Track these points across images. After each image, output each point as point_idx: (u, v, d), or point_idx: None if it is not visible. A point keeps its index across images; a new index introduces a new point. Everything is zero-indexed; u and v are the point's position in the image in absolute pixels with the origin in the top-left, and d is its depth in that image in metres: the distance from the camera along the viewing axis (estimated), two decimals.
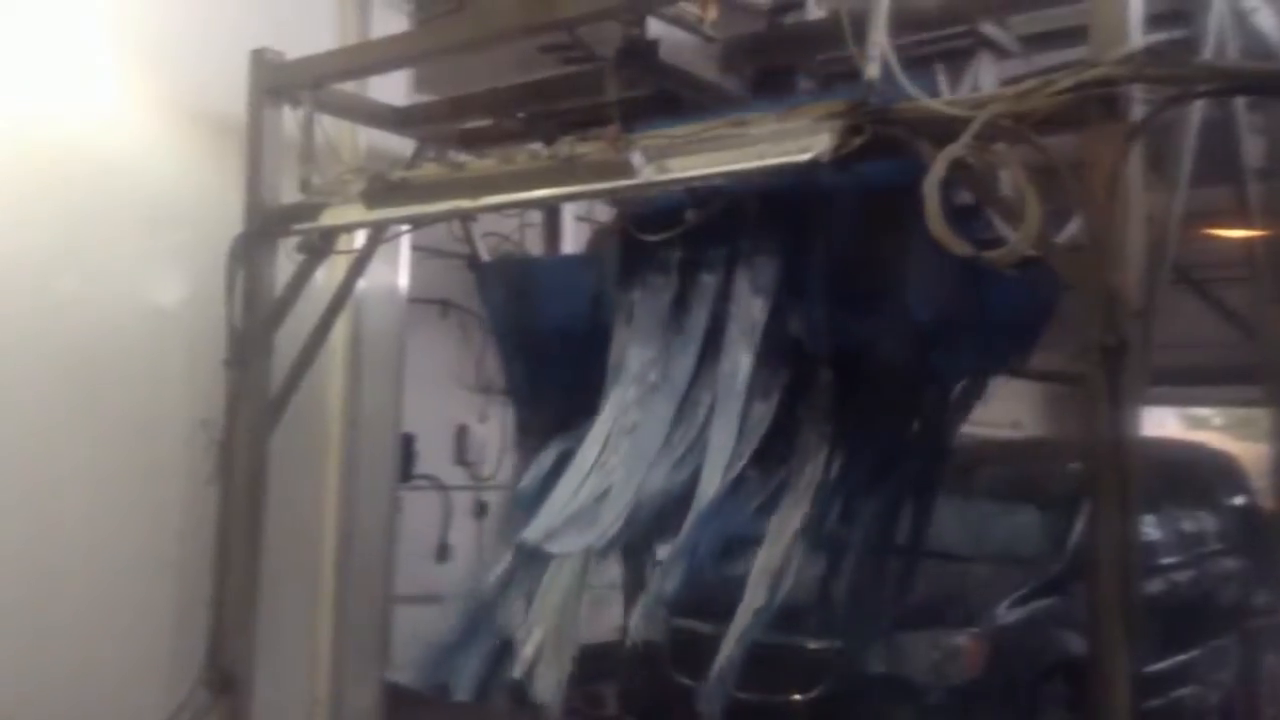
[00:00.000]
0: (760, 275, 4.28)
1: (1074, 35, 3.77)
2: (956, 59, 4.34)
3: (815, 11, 4.51)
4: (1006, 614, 5.09)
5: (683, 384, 4.38)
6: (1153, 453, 3.88)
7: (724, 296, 4.39)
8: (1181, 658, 5.76)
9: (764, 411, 4.22)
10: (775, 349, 4.27)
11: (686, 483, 4.18)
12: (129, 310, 5.06)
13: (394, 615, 6.17)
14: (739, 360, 4.26)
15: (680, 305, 4.51)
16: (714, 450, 4.18)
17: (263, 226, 5.02)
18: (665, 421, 4.32)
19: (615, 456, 4.33)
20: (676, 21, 4.39)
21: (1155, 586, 5.50)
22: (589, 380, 4.79)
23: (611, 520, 4.10)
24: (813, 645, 4.96)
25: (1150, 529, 5.66)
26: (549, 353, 5.23)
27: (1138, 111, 3.12)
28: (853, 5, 3.54)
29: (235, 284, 4.98)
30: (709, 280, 4.42)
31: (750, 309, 4.29)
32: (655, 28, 4.39)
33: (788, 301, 4.29)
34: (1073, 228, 3.43)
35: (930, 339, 4.13)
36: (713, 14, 4.41)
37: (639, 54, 4.37)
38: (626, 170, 3.83)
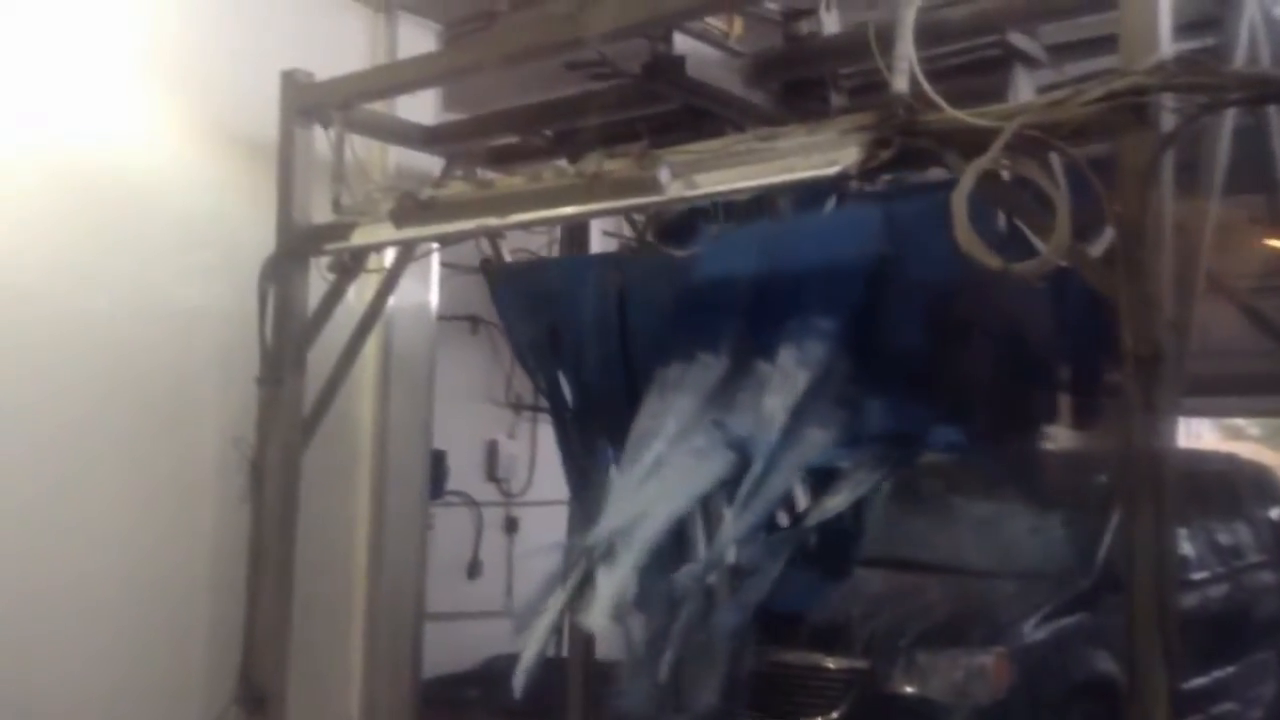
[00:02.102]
0: (807, 353, 4.29)
1: (1104, 44, 3.74)
2: (985, 70, 4.31)
3: (828, 20, 4.49)
4: (1033, 631, 5.01)
5: (725, 450, 4.38)
6: (1186, 464, 3.83)
7: (770, 374, 4.42)
8: (1219, 674, 5.68)
9: (822, 437, 4.23)
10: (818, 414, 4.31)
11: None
12: (162, 329, 5.11)
13: (425, 632, 6.19)
14: (775, 418, 4.27)
15: (730, 383, 4.50)
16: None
17: (294, 246, 5.06)
18: (721, 461, 4.35)
19: (672, 470, 4.34)
20: (702, 37, 4.41)
21: (1190, 601, 5.42)
22: (611, 371, 4.85)
23: (661, 523, 4.14)
24: (834, 665, 4.92)
25: (1184, 542, 5.58)
26: (568, 349, 5.25)
27: (1168, 120, 3.09)
28: (879, 17, 3.53)
29: (267, 303, 5.02)
30: (765, 367, 4.43)
31: (793, 379, 4.29)
32: (681, 43, 4.40)
33: (832, 380, 4.31)
34: (1106, 238, 3.40)
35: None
36: (738, 29, 4.42)
37: (665, 70, 4.39)
38: (654, 186, 3.83)
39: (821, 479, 4.40)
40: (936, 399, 4.20)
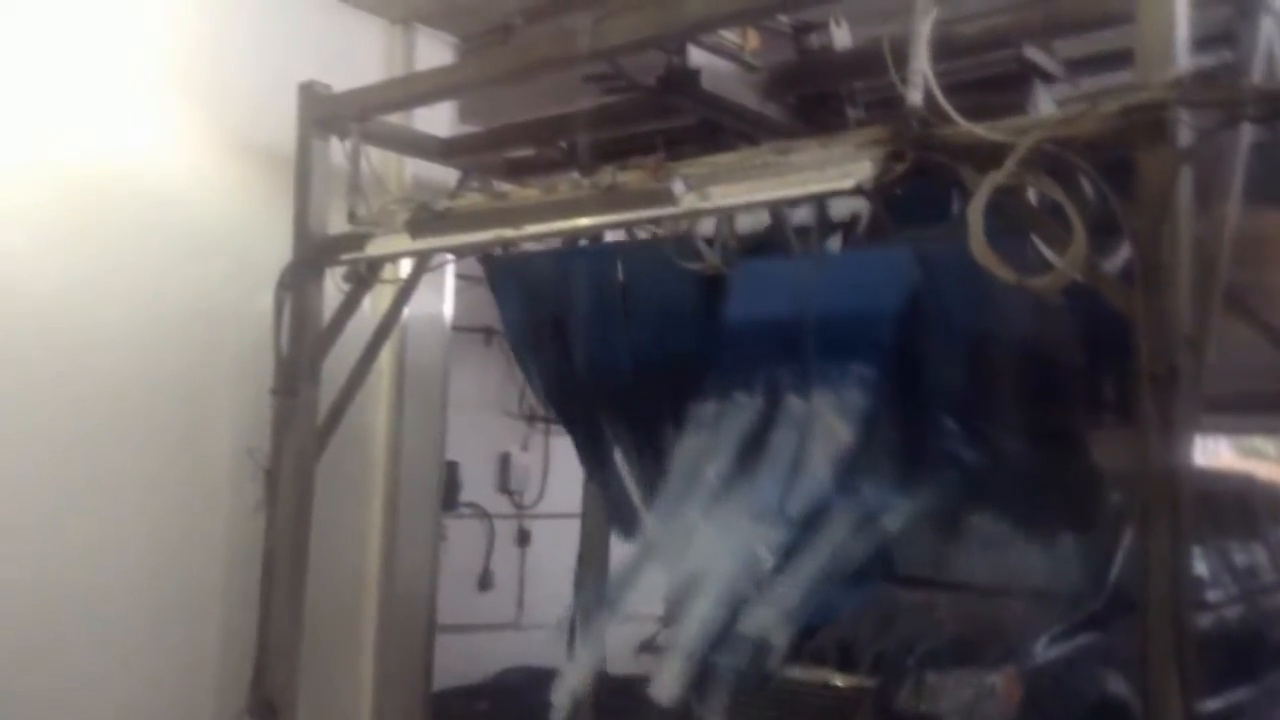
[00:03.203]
0: (847, 404, 4.22)
1: (1120, 59, 3.73)
2: (1001, 84, 4.30)
3: (839, 35, 4.48)
4: (1044, 651, 4.96)
5: (770, 499, 4.30)
6: (1202, 483, 3.81)
7: (809, 418, 4.33)
8: (1235, 696, 5.62)
9: (874, 495, 4.17)
10: (861, 471, 4.23)
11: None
12: (178, 339, 5.13)
13: (436, 643, 6.18)
14: (821, 481, 4.20)
15: (767, 424, 4.43)
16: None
17: (310, 256, 5.08)
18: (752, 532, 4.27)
19: (724, 530, 4.28)
20: (717, 50, 4.41)
21: (1205, 622, 5.37)
22: (618, 357, 4.90)
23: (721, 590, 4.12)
24: (842, 682, 4.88)
25: (1200, 562, 5.53)
26: (571, 336, 5.24)
27: (1186, 135, 3.07)
28: (894, 31, 3.53)
29: (283, 313, 5.04)
30: (797, 402, 4.36)
31: (835, 432, 4.22)
32: (697, 57, 4.40)
33: (875, 429, 4.22)
34: (1123, 253, 3.38)
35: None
36: (753, 42, 4.42)
37: (680, 83, 4.39)
38: (668, 198, 3.84)
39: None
40: (982, 436, 4.13)
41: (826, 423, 4.23)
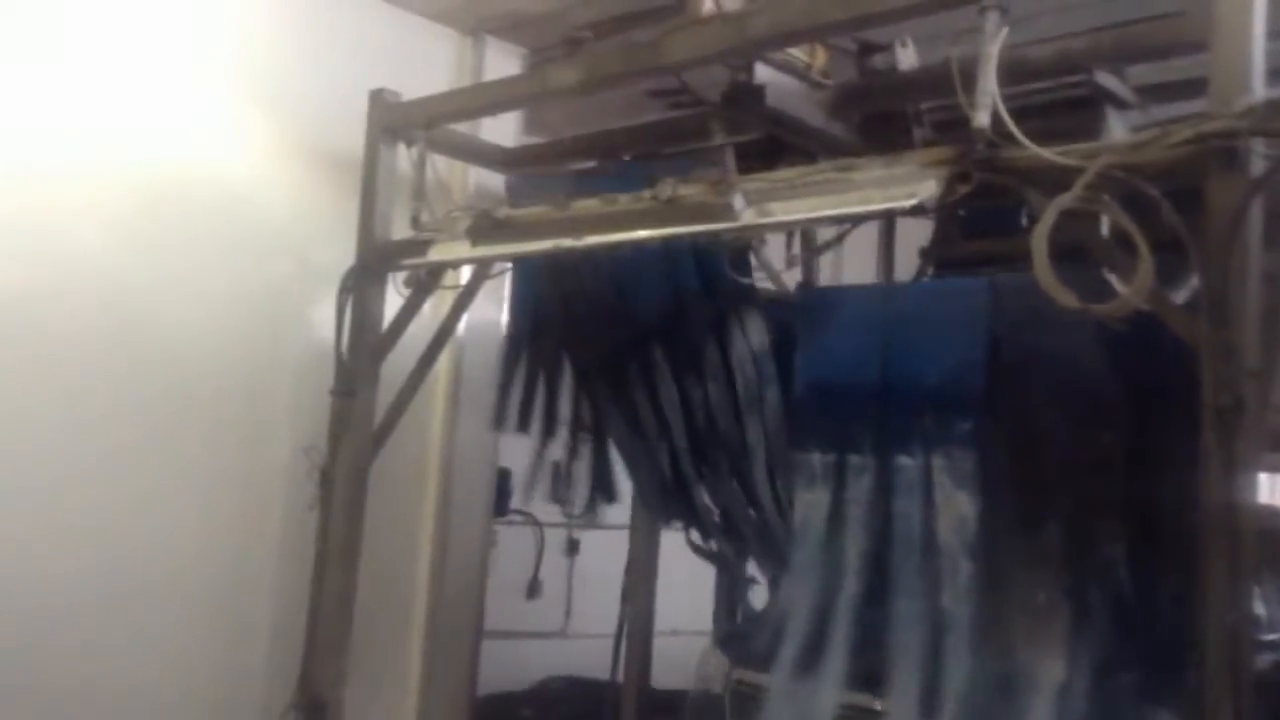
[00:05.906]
0: (958, 466, 3.95)
1: (1195, 87, 3.67)
2: (1071, 109, 4.25)
3: (904, 56, 4.45)
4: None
5: (910, 578, 4.03)
6: (1263, 519, 3.70)
7: (926, 484, 4.03)
8: None
9: (1025, 591, 3.90)
10: (994, 545, 3.93)
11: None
12: (244, 338, 5.24)
13: (483, 649, 6.21)
14: (959, 562, 3.92)
15: (881, 491, 4.15)
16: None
17: (373, 260, 5.15)
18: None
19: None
20: (784, 67, 4.40)
21: (1264, 662, 5.21)
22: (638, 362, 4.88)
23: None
24: (879, 706, 4.81)
25: (1260, 601, 5.38)
26: (589, 334, 5.18)
27: (1258, 165, 3.02)
28: (962, 52, 3.51)
29: (345, 315, 5.11)
30: (907, 463, 4.07)
31: (956, 503, 3.94)
32: (762, 73, 4.41)
33: (995, 496, 3.93)
34: (1190, 284, 3.32)
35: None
36: (821, 60, 4.42)
37: (744, 98, 4.39)
38: (727, 213, 3.84)
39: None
40: (1090, 484, 3.87)
41: (946, 492, 3.95)
